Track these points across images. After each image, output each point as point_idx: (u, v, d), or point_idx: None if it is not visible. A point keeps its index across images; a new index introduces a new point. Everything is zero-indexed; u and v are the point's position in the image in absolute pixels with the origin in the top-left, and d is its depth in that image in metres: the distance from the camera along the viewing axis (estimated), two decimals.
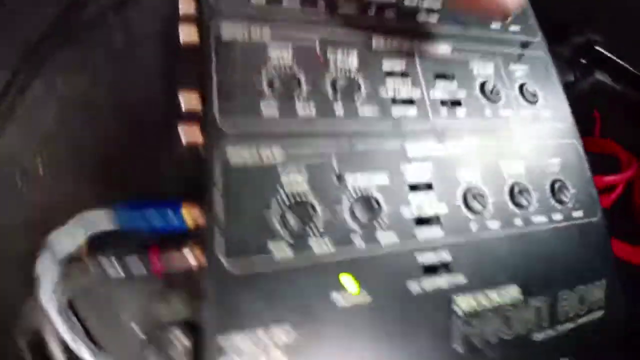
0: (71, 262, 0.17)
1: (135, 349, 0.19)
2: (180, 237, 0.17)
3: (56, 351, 0.17)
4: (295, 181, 0.17)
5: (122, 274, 0.17)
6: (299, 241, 0.16)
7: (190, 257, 0.17)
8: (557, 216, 0.21)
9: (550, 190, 0.22)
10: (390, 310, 0.16)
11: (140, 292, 0.20)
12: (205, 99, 0.17)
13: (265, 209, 0.16)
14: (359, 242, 0.17)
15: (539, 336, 0.19)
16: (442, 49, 0.22)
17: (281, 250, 0.16)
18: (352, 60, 0.20)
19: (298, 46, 0.19)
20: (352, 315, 0.16)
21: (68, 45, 0.24)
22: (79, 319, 0.19)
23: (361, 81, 0.19)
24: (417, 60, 0.21)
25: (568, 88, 0.38)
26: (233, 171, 0.16)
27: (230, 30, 0.18)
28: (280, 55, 0.18)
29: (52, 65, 0.25)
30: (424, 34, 0.22)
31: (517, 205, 0.20)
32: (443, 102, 0.21)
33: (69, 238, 0.17)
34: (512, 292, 0.19)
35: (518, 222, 0.20)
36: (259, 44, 0.18)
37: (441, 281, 0.18)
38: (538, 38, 0.26)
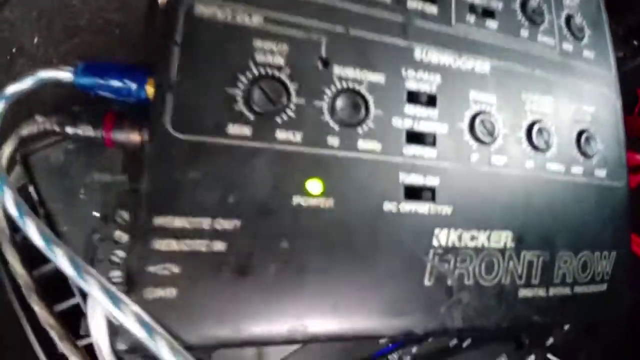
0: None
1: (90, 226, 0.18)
2: (139, 111, 0.15)
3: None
4: (270, 50, 0.14)
5: (76, 134, 0.15)
6: (261, 121, 0.13)
7: (141, 129, 0.15)
8: (577, 169, 0.18)
9: (576, 138, 0.18)
10: (356, 224, 0.14)
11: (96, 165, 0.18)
12: None
13: (229, 77, 0.13)
14: (333, 141, 0.14)
15: (524, 292, 0.16)
16: None
17: (239, 129, 0.13)
18: None
19: None
20: (309, 217, 0.14)
21: None
22: (38, 195, 0.18)
23: None
24: None
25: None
26: (197, 24, 0.13)
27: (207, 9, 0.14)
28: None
29: None
30: None
31: (533, 145, 0.17)
32: (472, 8, 0.17)
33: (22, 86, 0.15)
34: (503, 239, 0.16)
35: (530, 164, 0.17)
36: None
37: (423, 208, 0.15)
38: None
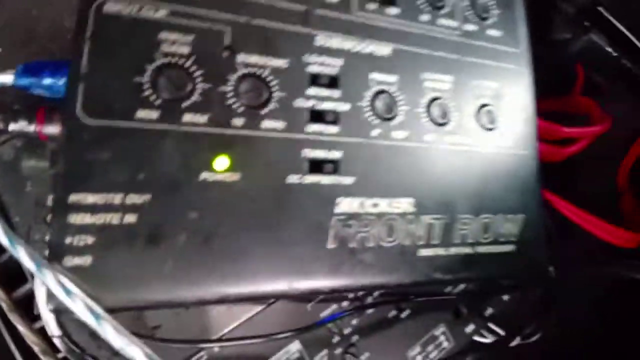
0: None
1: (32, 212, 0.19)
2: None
3: None
4: (175, 41, 0.15)
5: (15, 131, 0.17)
6: (168, 107, 0.15)
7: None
8: (475, 140, 0.20)
9: (475, 112, 0.20)
10: (261, 195, 0.16)
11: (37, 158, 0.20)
12: None
13: (136, 67, 0.15)
14: (237, 122, 0.16)
15: (425, 252, 0.18)
16: None
17: (146, 113, 0.15)
18: None
19: None
20: (216, 191, 0.15)
21: None
22: None
23: None
24: None
25: (562, 45, 0.36)
26: (106, 20, 0.15)
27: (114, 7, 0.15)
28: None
29: None
30: None
31: (432, 120, 0.19)
32: None
33: None
34: (404, 205, 0.18)
35: (429, 137, 0.19)
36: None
37: (325, 179, 0.17)
38: None
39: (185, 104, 0.15)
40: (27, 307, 0.19)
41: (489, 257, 0.19)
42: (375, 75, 0.18)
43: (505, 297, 0.27)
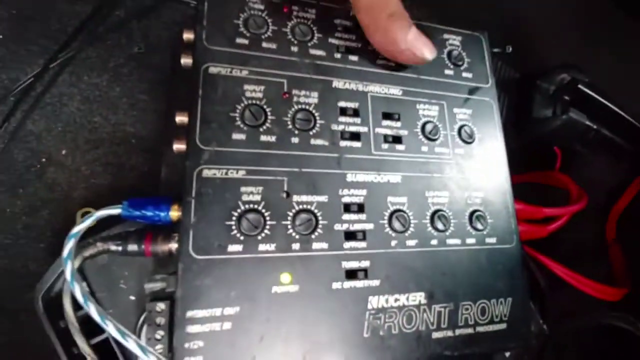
0: (85, 242, 0.23)
1: (131, 314, 0.24)
2: (169, 228, 0.22)
3: (69, 308, 0.23)
4: (251, 192, 0.22)
5: (125, 251, 0.23)
6: (248, 240, 0.21)
7: (172, 245, 0.22)
8: (471, 240, 0.26)
9: (468, 218, 0.26)
10: (315, 300, 0.21)
11: (136, 267, 0.26)
12: (192, 120, 0.22)
13: (226, 214, 0.21)
14: (296, 246, 0.22)
15: (437, 334, 0.23)
16: (394, 91, 0.26)
17: (234, 247, 0.21)
18: (313, 97, 0.24)
19: (269, 83, 0.24)
20: (284, 300, 0.21)
21: (92, 46, 0.29)
22: (89, 287, 0.25)
23: (317, 115, 0.24)
24: (369, 100, 0.26)
25: (545, 122, 0.41)
26: (204, 182, 0.21)
27: (215, 69, 0.23)
28: (253, 90, 0.23)
29: (78, 63, 0.31)
30: (380, 76, 0.26)
31: (435, 228, 0.25)
32: (386, 138, 0.25)
33: (86, 225, 0.23)
34: (418, 298, 0.23)
35: (434, 242, 0.25)
36: (238, 79, 0.23)
37: (359, 284, 0.22)
38: (488, 84, 0.30)
39: (260, 237, 0.21)
40: None
41: (487, 334, 0.24)
42: (391, 198, 0.24)
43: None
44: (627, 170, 0.38)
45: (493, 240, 0.26)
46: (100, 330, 0.22)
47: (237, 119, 0.22)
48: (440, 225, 0.25)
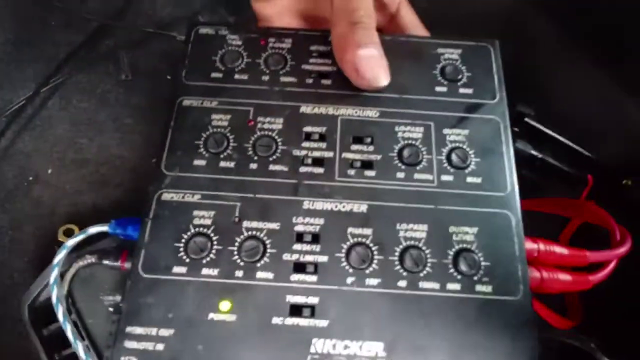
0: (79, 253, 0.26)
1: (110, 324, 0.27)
2: None
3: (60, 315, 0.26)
4: (203, 217, 0.22)
5: (109, 265, 0.25)
6: (193, 263, 0.21)
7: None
8: (453, 286, 0.21)
9: (453, 258, 0.21)
10: (252, 334, 0.20)
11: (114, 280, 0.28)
12: (161, 148, 0.24)
13: (177, 236, 0.22)
14: (239, 273, 0.21)
15: None
16: (370, 113, 0.24)
17: (179, 269, 0.21)
18: (277, 124, 0.24)
19: (236, 112, 0.24)
20: (219, 329, 0.20)
21: (82, 72, 0.34)
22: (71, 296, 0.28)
23: (280, 141, 0.24)
24: (339, 123, 0.24)
25: None
26: (162, 205, 0.22)
27: (188, 102, 0.25)
28: (220, 119, 0.24)
29: (68, 88, 0.36)
30: (355, 99, 0.25)
31: (405, 268, 0.21)
32: (353, 164, 0.23)
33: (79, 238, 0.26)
34: (375, 349, 0.20)
35: (402, 283, 0.21)
36: (207, 109, 0.24)
37: (304, 322, 0.20)
38: (495, 100, 0.25)
39: (204, 261, 0.21)
40: None
41: None
42: (352, 230, 0.22)
43: None
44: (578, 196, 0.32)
45: (486, 288, 0.21)
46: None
47: (201, 146, 0.24)
48: (410, 265, 0.21)
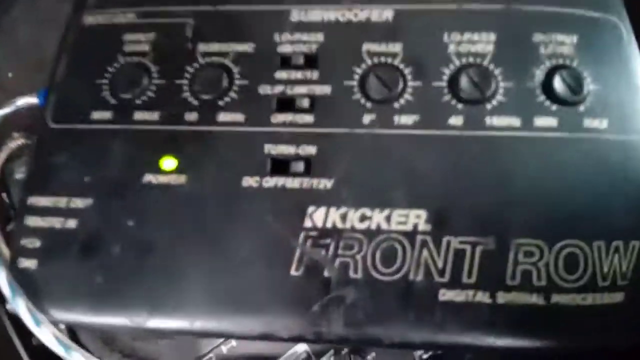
0: None
1: None
2: None
3: None
4: (137, 40, 0.14)
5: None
6: (122, 106, 0.14)
7: None
8: (545, 121, 0.12)
9: (544, 78, 0.13)
10: (211, 202, 0.12)
11: None
12: None
13: (99, 70, 0.14)
14: (191, 117, 0.13)
15: (450, 295, 0.11)
16: None
17: (101, 114, 0.14)
18: None
19: None
20: (161, 195, 0.13)
21: None
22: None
23: None
24: None
25: None
26: (83, 32, 0.15)
27: None
28: None
29: None
30: None
31: (460, 97, 0.12)
32: None
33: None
34: (412, 219, 0.12)
35: (456, 121, 0.12)
36: None
37: (293, 182, 0.12)
38: None
39: (138, 102, 0.14)
40: None
41: (577, 312, 0.11)
42: (369, 46, 0.13)
43: None
44: None
45: (601, 123, 0.12)
46: None
47: None
48: (470, 91, 0.12)
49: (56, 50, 0.15)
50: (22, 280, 0.13)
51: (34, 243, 0.13)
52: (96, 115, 0.14)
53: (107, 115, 0.14)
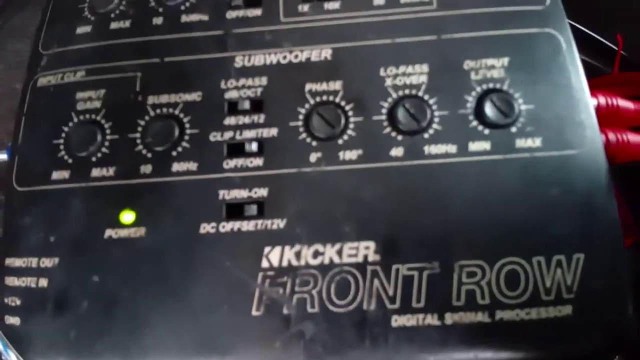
0: None
1: None
2: None
3: None
4: (89, 98, 0.15)
5: None
6: (79, 164, 0.14)
7: None
8: (479, 145, 0.13)
9: (475, 104, 0.13)
10: (171, 252, 0.13)
11: None
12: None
13: (54, 131, 0.14)
14: (146, 169, 0.14)
15: (401, 321, 0.12)
16: None
17: (59, 173, 0.14)
18: None
19: None
20: (122, 249, 0.13)
21: (21, 13, 0.27)
22: None
23: None
24: None
25: None
26: (37, 93, 0.15)
27: None
28: None
29: (5, 32, 0.29)
30: None
31: (399, 129, 0.13)
32: None
33: None
34: (362, 251, 0.12)
35: (397, 152, 0.13)
36: None
37: (248, 225, 0.13)
38: (545, 5, 0.14)
39: (93, 159, 0.14)
40: None
41: (521, 328, 0.12)
42: (311, 86, 0.14)
43: None
44: None
45: (532, 142, 0.13)
46: None
47: (86, 7, 0.16)
48: (407, 123, 0.13)
49: (16, 114, 0.15)
50: (10, 336, 0.13)
51: (15, 301, 0.13)
52: (55, 175, 0.14)
53: (65, 174, 0.14)
